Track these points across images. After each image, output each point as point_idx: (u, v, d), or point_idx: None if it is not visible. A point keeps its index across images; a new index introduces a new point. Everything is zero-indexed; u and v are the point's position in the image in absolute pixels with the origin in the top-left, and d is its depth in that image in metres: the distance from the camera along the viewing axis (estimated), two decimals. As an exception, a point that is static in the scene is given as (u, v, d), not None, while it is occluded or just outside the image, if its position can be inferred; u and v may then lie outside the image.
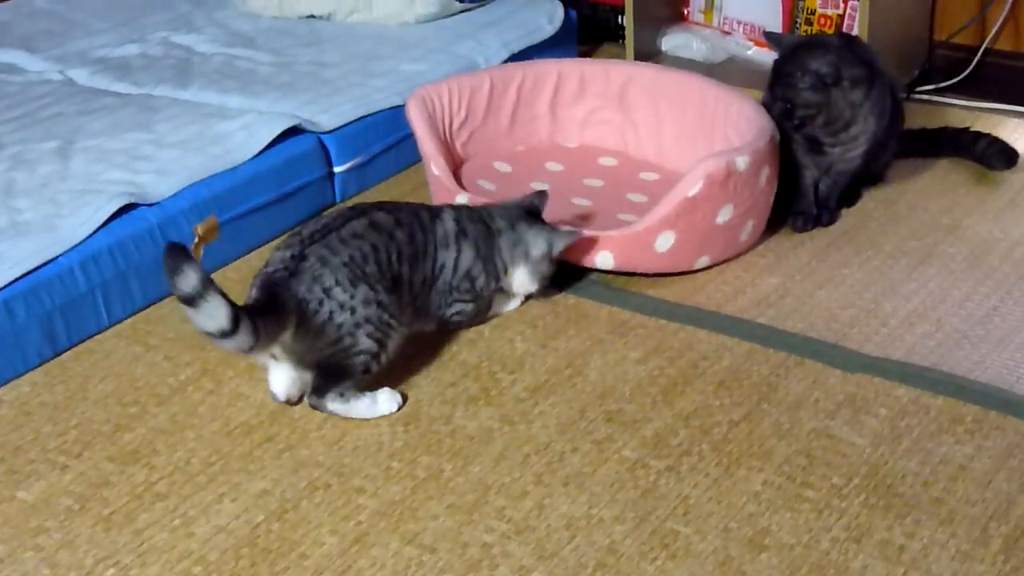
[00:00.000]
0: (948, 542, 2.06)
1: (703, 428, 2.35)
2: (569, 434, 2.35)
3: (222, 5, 4.06)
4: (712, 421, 2.37)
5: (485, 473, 2.26)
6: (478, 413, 2.42)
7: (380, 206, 2.55)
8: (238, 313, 2.22)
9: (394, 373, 2.53)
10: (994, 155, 3.23)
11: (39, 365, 2.63)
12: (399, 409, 2.44)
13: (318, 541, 2.13)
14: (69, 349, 2.68)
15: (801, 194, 3.03)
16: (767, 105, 2.96)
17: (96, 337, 2.72)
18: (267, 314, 2.30)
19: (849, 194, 3.11)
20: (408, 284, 2.50)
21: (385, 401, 2.44)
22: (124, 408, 2.49)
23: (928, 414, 2.36)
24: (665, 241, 2.77)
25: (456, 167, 3.15)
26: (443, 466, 2.29)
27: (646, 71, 3.33)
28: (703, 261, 2.87)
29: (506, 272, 2.68)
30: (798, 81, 2.86)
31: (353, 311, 2.37)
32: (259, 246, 3.03)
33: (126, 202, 2.79)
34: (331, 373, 2.41)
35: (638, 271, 2.83)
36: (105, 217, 2.75)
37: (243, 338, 2.23)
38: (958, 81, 3.67)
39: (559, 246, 2.68)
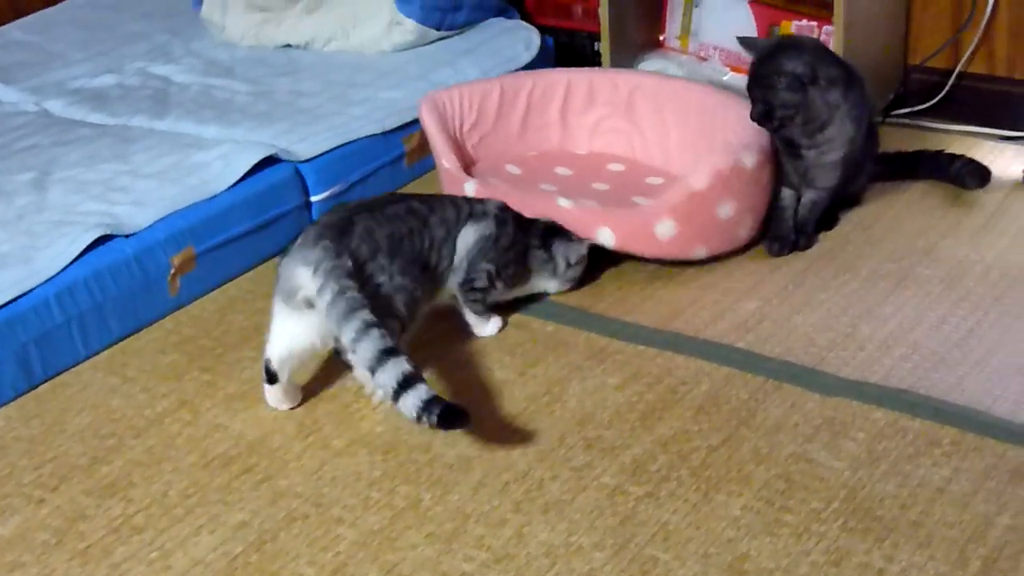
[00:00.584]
0: (926, 565, 2.06)
1: (682, 453, 2.35)
2: (548, 461, 2.35)
3: (199, 35, 4.06)
4: (691, 446, 2.37)
5: (464, 502, 2.26)
6: (457, 441, 2.42)
7: (418, 196, 2.70)
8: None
9: (372, 402, 2.52)
10: (968, 174, 3.24)
11: (15, 398, 2.62)
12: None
13: (297, 572, 2.12)
14: (45, 382, 2.67)
15: (778, 218, 3.04)
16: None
17: (73, 369, 2.71)
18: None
19: (826, 218, 3.11)
20: (434, 269, 2.61)
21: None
22: (101, 441, 2.48)
23: (906, 437, 2.36)
24: (666, 228, 2.84)
25: (467, 167, 3.18)
26: (422, 495, 2.28)
27: (651, 80, 3.41)
28: (701, 252, 2.93)
29: (527, 281, 2.82)
30: (776, 82, 2.87)
31: (391, 277, 2.48)
32: (236, 276, 3.03)
33: (102, 233, 2.79)
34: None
35: (636, 253, 2.90)
36: (81, 248, 2.74)
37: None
38: (933, 104, 3.68)
39: (574, 257, 2.82)
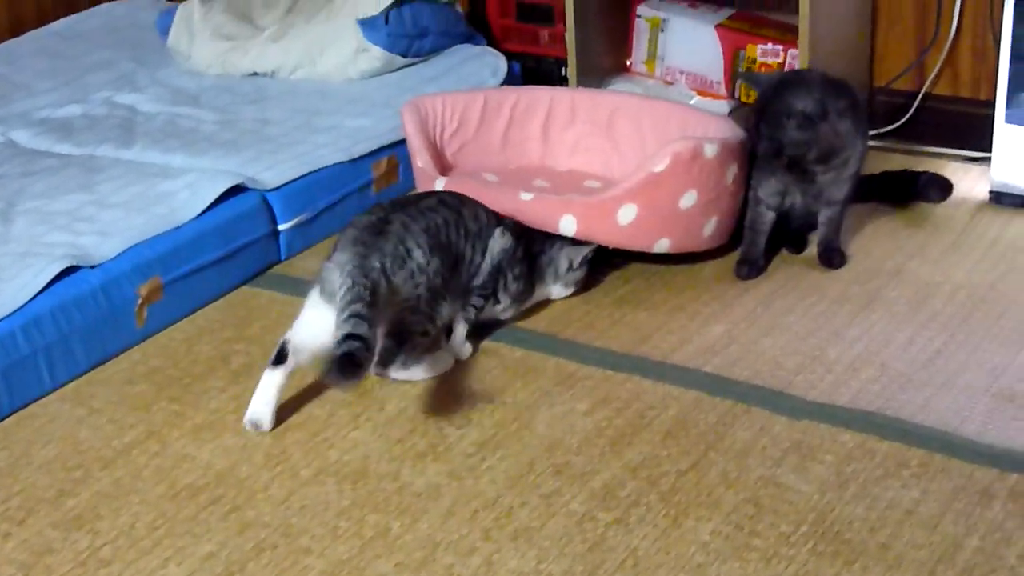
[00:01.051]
0: (896, 588, 2.06)
1: (651, 479, 2.35)
2: (517, 488, 2.35)
3: (165, 64, 4.05)
4: (660, 471, 2.37)
5: (433, 530, 2.25)
6: (425, 469, 2.41)
7: (447, 191, 2.83)
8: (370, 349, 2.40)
9: (341, 430, 2.52)
10: (931, 188, 3.27)
11: (-19, 431, 2.61)
12: (454, 363, 2.72)
13: (265, 603, 2.11)
14: (12, 414, 2.65)
15: (752, 241, 3.04)
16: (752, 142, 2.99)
17: (39, 401, 2.69)
18: (370, 307, 2.44)
19: (796, 241, 3.12)
20: (468, 264, 2.71)
21: (443, 361, 2.70)
22: (68, 473, 2.47)
23: (874, 459, 2.36)
24: (627, 213, 2.87)
25: (443, 172, 3.18)
26: (391, 524, 2.27)
27: (632, 100, 3.43)
28: (663, 244, 2.94)
29: (532, 289, 2.88)
30: (786, 122, 2.85)
31: (428, 276, 2.59)
32: (203, 306, 3.02)
33: (68, 264, 2.77)
34: (396, 338, 2.60)
35: (599, 240, 2.91)
36: (47, 280, 2.73)
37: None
38: (899, 126, 3.70)
39: (577, 260, 2.89)
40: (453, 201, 2.74)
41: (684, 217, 2.93)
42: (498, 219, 2.79)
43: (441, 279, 2.63)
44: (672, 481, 2.34)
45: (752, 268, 3.02)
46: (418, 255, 2.59)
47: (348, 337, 2.35)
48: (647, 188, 2.86)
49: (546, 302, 2.94)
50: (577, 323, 2.87)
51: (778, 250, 3.11)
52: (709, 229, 2.99)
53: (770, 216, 3.02)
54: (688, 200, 2.90)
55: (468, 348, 2.76)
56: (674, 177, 2.86)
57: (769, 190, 2.99)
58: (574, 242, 2.89)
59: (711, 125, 3.18)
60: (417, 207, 2.68)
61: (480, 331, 2.82)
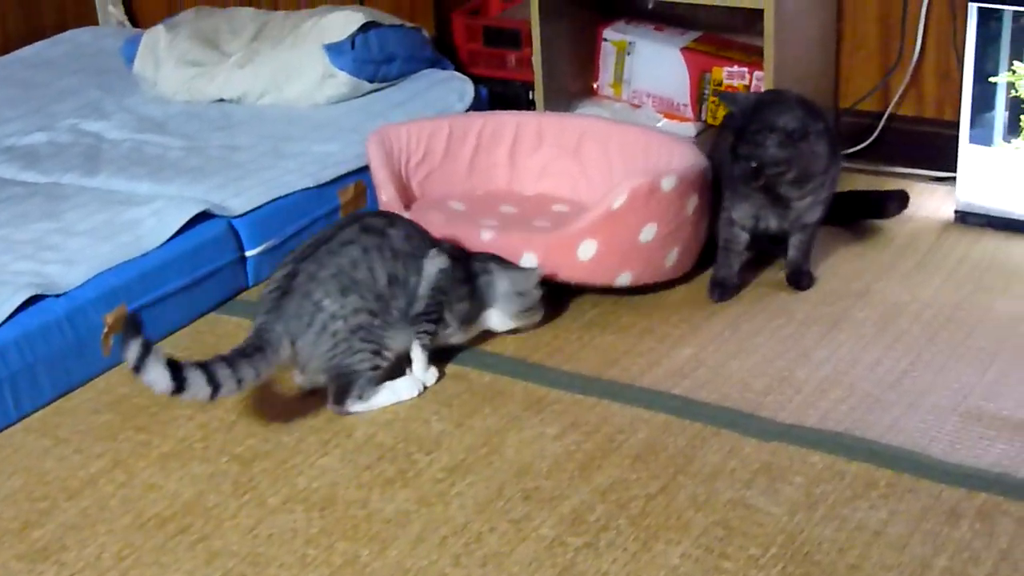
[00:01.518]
0: (866, 609, 2.06)
1: (620, 503, 2.34)
2: (487, 514, 2.34)
3: (132, 91, 4.04)
4: (629, 495, 2.36)
5: (403, 557, 2.24)
6: (395, 496, 2.40)
7: (376, 212, 2.84)
8: (182, 371, 2.41)
9: (309, 457, 2.51)
10: (888, 201, 3.31)
11: (-54, 462, 2.59)
12: (425, 389, 2.71)
13: (233, 633, 2.10)
14: (-23, 445, 2.64)
15: (726, 262, 3.04)
16: (719, 163, 2.98)
17: (4, 432, 2.67)
18: (243, 356, 2.50)
19: (771, 251, 3.12)
20: (404, 283, 2.67)
21: (406, 387, 2.69)
22: (33, 504, 2.45)
23: (843, 480, 2.37)
24: (587, 249, 2.88)
25: (409, 203, 3.19)
26: (360, 552, 2.26)
27: (599, 124, 3.43)
28: (625, 278, 2.95)
29: (479, 312, 2.83)
30: (766, 139, 2.82)
31: (345, 319, 2.58)
32: (171, 333, 3.00)
33: (33, 293, 2.76)
34: (342, 379, 2.62)
35: (560, 277, 2.92)
36: (11, 310, 2.71)
37: (198, 389, 2.43)
38: (864, 147, 3.72)
39: (521, 285, 2.83)
40: (379, 223, 2.70)
41: (645, 250, 2.93)
42: (433, 240, 2.77)
43: (369, 313, 2.61)
44: (642, 505, 2.34)
45: (725, 290, 3.02)
46: (328, 304, 2.58)
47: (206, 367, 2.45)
48: (606, 223, 2.87)
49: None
50: (546, 347, 2.87)
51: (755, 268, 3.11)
52: (671, 260, 2.99)
53: (744, 237, 3.02)
54: (648, 233, 2.90)
55: (432, 373, 2.75)
56: (633, 212, 2.87)
57: (742, 213, 2.99)
58: (517, 268, 2.86)
59: (675, 150, 3.19)
60: (330, 246, 2.63)
61: (447, 355, 2.81)
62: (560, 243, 2.89)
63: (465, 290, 2.78)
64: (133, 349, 2.38)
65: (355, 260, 2.62)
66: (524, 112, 3.54)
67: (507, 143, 3.42)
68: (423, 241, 2.74)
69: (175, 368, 2.41)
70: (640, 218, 2.88)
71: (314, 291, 2.58)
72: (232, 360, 2.48)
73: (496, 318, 2.86)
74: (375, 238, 2.66)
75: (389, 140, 3.26)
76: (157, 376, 2.40)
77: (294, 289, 2.59)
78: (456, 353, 2.83)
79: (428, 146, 3.32)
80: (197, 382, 2.42)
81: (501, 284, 2.83)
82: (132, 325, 2.40)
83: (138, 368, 2.39)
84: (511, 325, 2.89)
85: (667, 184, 2.89)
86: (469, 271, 2.80)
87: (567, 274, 2.92)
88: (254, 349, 2.52)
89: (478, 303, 2.82)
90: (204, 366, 2.44)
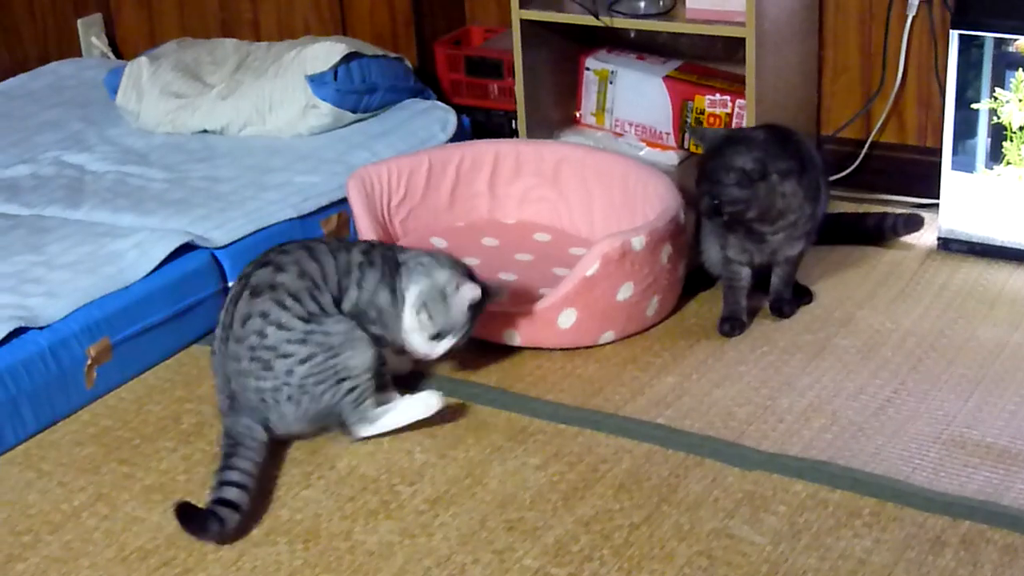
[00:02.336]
0: (850, 638, 2.06)
1: (604, 533, 2.34)
2: (470, 545, 2.34)
3: (114, 123, 4.03)
4: (613, 525, 2.36)
5: (386, 589, 2.24)
6: (378, 527, 2.40)
7: (264, 257, 2.68)
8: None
9: (292, 489, 2.50)
10: (902, 225, 3.35)
11: (-72, 497, 2.58)
12: (438, 410, 2.65)
13: (216, 667, 2.09)
14: (-41, 479, 2.63)
15: (732, 298, 3.04)
16: (695, 199, 2.98)
17: (-13, 465, 2.67)
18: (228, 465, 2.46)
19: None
20: (324, 308, 2.60)
21: (419, 407, 2.64)
22: (16, 537, 2.44)
23: (826, 509, 2.37)
24: (567, 318, 2.88)
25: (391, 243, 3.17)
26: (343, 584, 2.26)
27: (577, 151, 3.46)
28: (608, 336, 2.96)
29: (403, 301, 2.69)
30: (723, 177, 2.83)
31: (288, 383, 2.54)
32: (154, 365, 3.00)
33: (15, 326, 2.75)
34: (333, 418, 2.61)
35: (544, 347, 2.92)
36: (-7, 343, 2.71)
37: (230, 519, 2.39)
38: (847, 174, 3.73)
39: (465, 293, 2.68)
40: (264, 279, 2.60)
41: (624, 308, 2.94)
42: (349, 243, 2.73)
43: (301, 361, 2.55)
44: (625, 535, 2.33)
45: (735, 325, 3.01)
46: (265, 383, 2.55)
47: (219, 501, 2.39)
48: (582, 291, 2.88)
49: (501, 352, 2.92)
50: (528, 377, 2.87)
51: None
52: (651, 310, 3.00)
53: (745, 272, 3.01)
54: (625, 292, 2.91)
55: (435, 396, 2.70)
56: (607, 276, 2.87)
57: (736, 250, 2.99)
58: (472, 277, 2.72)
59: (650, 182, 3.20)
60: (234, 332, 2.57)
61: (428, 386, 2.81)
62: (540, 317, 2.89)
63: (388, 295, 2.70)
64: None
65: (260, 330, 2.56)
66: (502, 140, 3.56)
67: (486, 172, 3.43)
68: (327, 256, 2.66)
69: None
70: (615, 280, 2.89)
71: (247, 382, 2.55)
72: (226, 478, 2.43)
73: (412, 338, 2.72)
74: (267, 297, 2.58)
75: (370, 180, 3.27)
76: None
77: (235, 392, 2.57)
78: (438, 383, 2.83)
79: (409, 183, 3.33)
80: (227, 516, 2.38)
81: (411, 295, 2.69)
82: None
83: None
84: (428, 353, 2.73)
85: (638, 243, 2.89)
86: (389, 270, 2.71)
87: (551, 343, 2.94)
88: (241, 449, 2.49)
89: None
90: (220, 502, 2.39)
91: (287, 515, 2.45)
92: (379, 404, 2.64)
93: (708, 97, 3.78)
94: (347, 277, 2.66)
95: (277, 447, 2.62)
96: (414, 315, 2.69)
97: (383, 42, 4.20)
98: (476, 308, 2.72)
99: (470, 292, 2.68)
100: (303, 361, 2.55)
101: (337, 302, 2.64)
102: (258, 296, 2.58)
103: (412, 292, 2.68)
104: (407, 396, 2.67)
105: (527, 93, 3.83)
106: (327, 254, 2.66)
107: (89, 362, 2.84)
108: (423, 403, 2.65)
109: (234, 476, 2.42)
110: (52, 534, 2.44)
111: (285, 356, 2.54)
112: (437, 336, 2.70)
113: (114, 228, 3.24)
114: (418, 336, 2.70)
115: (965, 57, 3.23)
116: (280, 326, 2.55)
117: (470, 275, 2.73)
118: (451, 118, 3.90)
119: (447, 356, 2.78)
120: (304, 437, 2.66)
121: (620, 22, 3.67)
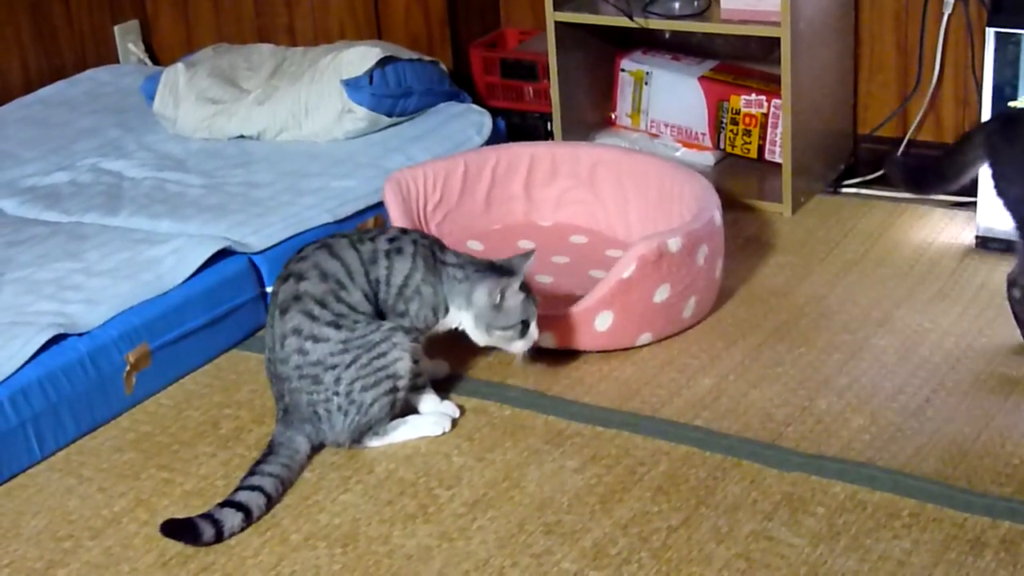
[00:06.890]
0: (890, 641, 2.05)
1: (642, 535, 2.34)
2: (508, 548, 2.34)
3: (152, 129, 4.06)
4: (651, 528, 2.36)
5: (424, 593, 2.25)
6: (416, 531, 2.40)
7: (285, 272, 2.65)
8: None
9: (331, 494, 2.51)
10: None
11: (-30, 504, 2.60)
12: (451, 427, 2.69)
13: (256, 672, 2.10)
14: (0, 485, 2.64)
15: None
16: None
17: (28, 471, 2.68)
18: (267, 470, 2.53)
19: None
20: (354, 306, 2.60)
21: (430, 425, 2.69)
22: (58, 543, 2.46)
23: (865, 510, 2.36)
24: (604, 321, 2.87)
25: None
26: (381, 588, 2.27)
27: (612, 153, 3.46)
28: (645, 338, 2.95)
29: (446, 311, 2.70)
30: None
31: (338, 392, 2.56)
32: (192, 371, 3.01)
33: (55, 333, 2.77)
34: (363, 427, 2.63)
35: (581, 349, 2.92)
36: (34, 350, 2.72)
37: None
38: (883, 173, 3.70)
39: (509, 296, 2.66)
40: (288, 292, 2.60)
41: (661, 309, 2.93)
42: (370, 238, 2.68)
43: (349, 365, 2.57)
44: (663, 537, 2.33)
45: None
46: (328, 376, 2.56)
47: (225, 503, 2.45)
48: (619, 294, 2.87)
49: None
50: (565, 379, 2.87)
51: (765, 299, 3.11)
52: (688, 311, 2.99)
53: None
54: (662, 294, 2.90)
55: (450, 405, 2.74)
56: (643, 278, 2.86)
57: None
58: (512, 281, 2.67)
59: (687, 183, 3.20)
60: (275, 353, 2.60)
61: (467, 390, 2.81)
62: (577, 319, 2.88)
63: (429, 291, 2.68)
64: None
65: (300, 348, 2.57)
66: (537, 143, 3.56)
67: (522, 175, 3.43)
68: (348, 251, 2.64)
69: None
70: (652, 282, 2.88)
71: (300, 398, 2.58)
72: (244, 482, 2.50)
73: (472, 327, 2.72)
74: (295, 312, 2.58)
75: (406, 184, 3.27)
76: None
77: (288, 406, 2.61)
78: (475, 387, 2.83)
79: (445, 186, 3.34)
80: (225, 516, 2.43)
81: (479, 294, 2.68)
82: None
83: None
84: (486, 342, 2.74)
85: (674, 245, 2.88)
86: (425, 263, 2.68)
87: (588, 345, 2.93)
88: (272, 456, 2.56)
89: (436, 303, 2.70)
90: (234, 504, 2.46)
91: (325, 519, 2.45)
92: (415, 401, 2.71)
93: (744, 97, 3.78)
94: (374, 266, 2.65)
95: (314, 450, 2.63)
96: (489, 336, 2.70)
97: (418, 45, 4.21)
98: (523, 288, 2.69)
99: (512, 292, 2.66)
100: (349, 365, 2.56)
101: (368, 296, 2.63)
102: (287, 313, 2.59)
103: (466, 317, 2.70)
104: (420, 415, 2.71)
105: (562, 95, 3.84)
106: (348, 248, 2.65)
107: (128, 368, 2.86)
108: (437, 424, 2.69)
109: (253, 480, 2.47)
110: (93, 540, 2.46)
111: (332, 368, 2.56)
112: (522, 326, 2.69)
113: (152, 234, 3.25)
114: (509, 345, 2.71)
115: (1001, 54, 3.21)
116: (316, 339, 2.56)
117: (494, 268, 2.70)
118: (486, 121, 3.91)
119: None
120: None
121: (655, 23, 3.67)
